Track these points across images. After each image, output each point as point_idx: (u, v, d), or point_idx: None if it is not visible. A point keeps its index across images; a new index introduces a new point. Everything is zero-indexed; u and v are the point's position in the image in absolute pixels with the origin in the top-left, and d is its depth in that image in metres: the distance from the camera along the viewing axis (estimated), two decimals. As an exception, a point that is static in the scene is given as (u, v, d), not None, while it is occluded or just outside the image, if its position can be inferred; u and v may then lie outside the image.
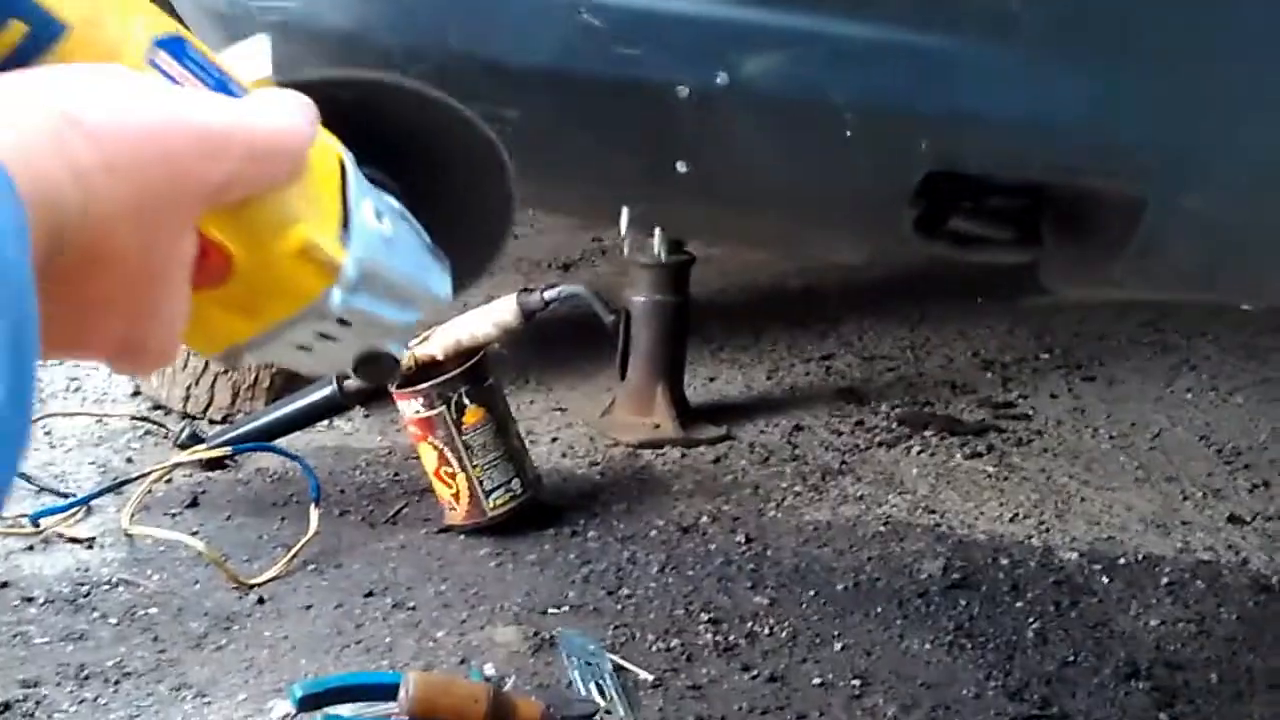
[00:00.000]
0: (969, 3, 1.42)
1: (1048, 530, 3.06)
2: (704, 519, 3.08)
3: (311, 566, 2.86)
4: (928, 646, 2.64)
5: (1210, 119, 1.44)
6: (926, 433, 3.48)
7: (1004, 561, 2.93)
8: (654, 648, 2.61)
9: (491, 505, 2.96)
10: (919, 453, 3.39)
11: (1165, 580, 2.88)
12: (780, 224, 1.56)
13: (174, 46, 0.88)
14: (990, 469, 3.32)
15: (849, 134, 1.46)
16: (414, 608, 2.72)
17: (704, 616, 2.71)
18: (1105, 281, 1.63)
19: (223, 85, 0.90)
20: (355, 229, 0.96)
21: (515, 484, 2.99)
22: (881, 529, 3.05)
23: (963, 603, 2.78)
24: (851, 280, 4.41)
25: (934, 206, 1.62)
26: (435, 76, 1.48)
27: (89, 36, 0.81)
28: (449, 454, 2.94)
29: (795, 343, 3.99)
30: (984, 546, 2.99)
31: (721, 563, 2.91)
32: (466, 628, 2.66)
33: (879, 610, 2.75)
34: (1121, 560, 2.94)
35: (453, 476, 2.95)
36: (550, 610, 2.73)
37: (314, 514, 2.95)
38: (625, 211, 1.63)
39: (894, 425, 3.53)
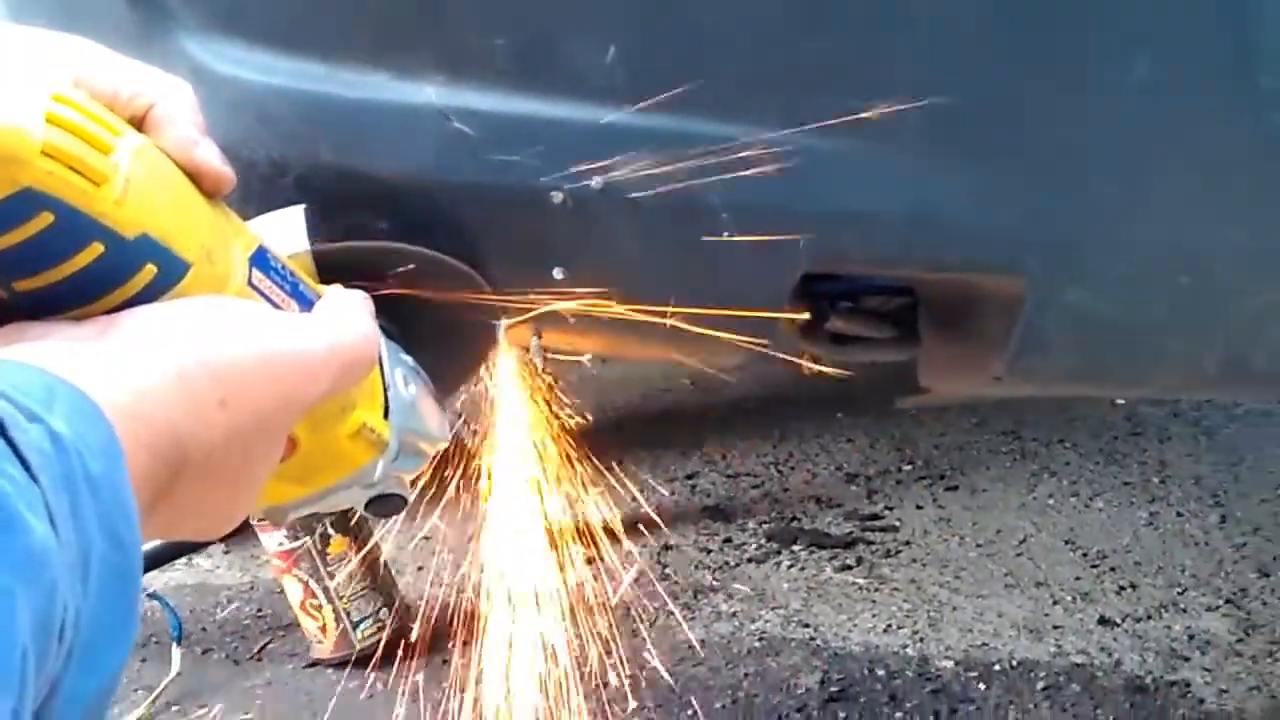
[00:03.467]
0: (845, 104, 1.42)
1: (922, 640, 3.05)
2: (576, 642, 3.03)
3: (175, 708, 2.78)
4: (809, 761, 2.61)
5: (1089, 214, 1.45)
6: (795, 547, 3.47)
7: (880, 672, 2.91)
8: (533, 775, 2.56)
9: (360, 636, 2.90)
10: (789, 567, 3.37)
11: (1041, 685, 2.87)
12: (658, 331, 1.54)
13: (260, 261, 0.96)
14: (861, 581, 3.31)
15: (726, 234, 1.45)
16: (285, 745, 2.65)
17: (583, 740, 2.66)
18: (985, 379, 1.63)
19: (296, 288, 0.99)
20: (394, 403, 1.06)
21: (383, 614, 2.93)
22: (756, 644, 3.02)
23: (841, 715, 2.76)
24: (712, 398, 4.41)
25: (811, 307, 1.61)
26: (303, 188, 1.46)
27: (205, 272, 0.88)
28: (314, 586, 2.87)
29: (659, 462, 3.97)
30: (860, 658, 2.97)
31: (596, 685, 2.85)
32: (339, 763, 2.59)
33: (758, 726, 2.72)
34: (997, 666, 2.94)
35: (319, 609, 2.89)
36: (425, 741, 2.67)
37: (176, 653, 2.87)
38: (534, 340, 1.62)
39: (762, 541, 3.51)
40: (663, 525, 3.61)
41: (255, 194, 1.44)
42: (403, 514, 1.27)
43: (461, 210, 1.46)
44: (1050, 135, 1.44)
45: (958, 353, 1.64)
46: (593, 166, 1.43)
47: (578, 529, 3.55)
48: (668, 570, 3.37)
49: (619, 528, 3.58)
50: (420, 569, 3.36)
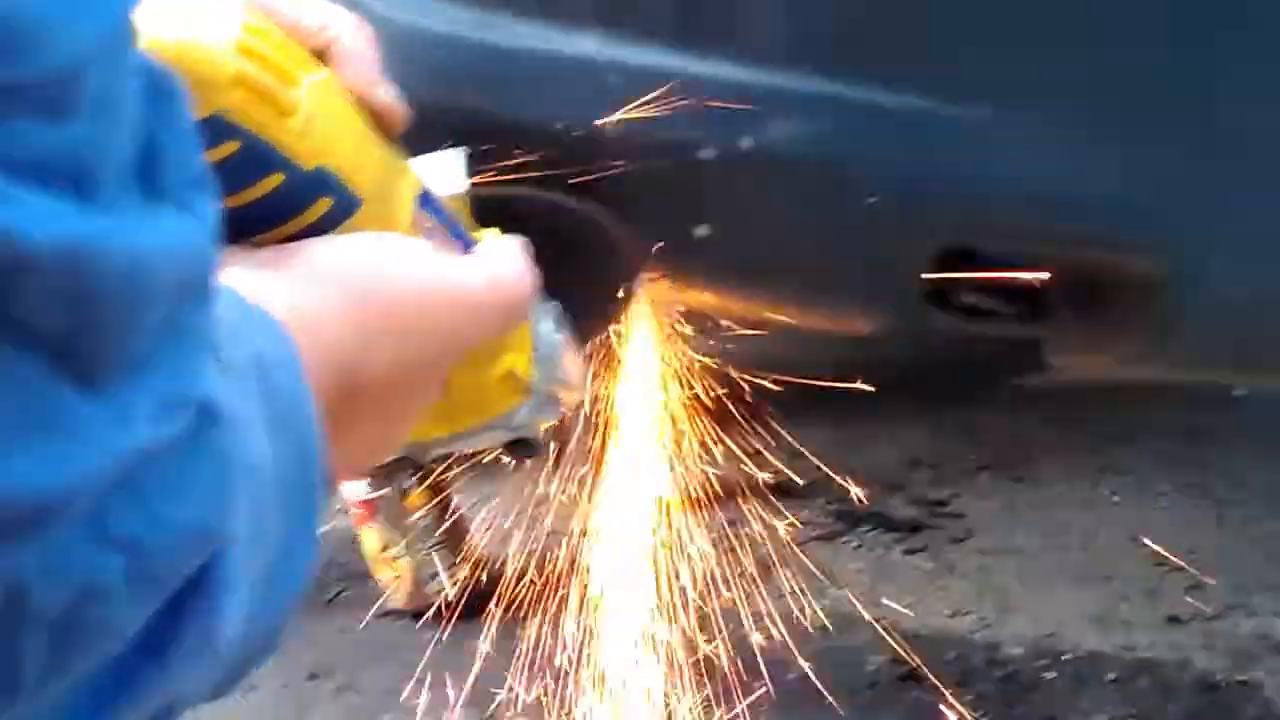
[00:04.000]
0: (996, 74, 1.42)
1: (990, 626, 3.06)
2: (646, 612, 3.04)
3: (249, 651, 2.80)
4: (879, 739, 2.63)
5: (1239, 196, 1.46)
6: (861, 528, 3.47)
7: (950, 656, 2.92)
8: (606, 735, 2.58)
9: (434, 589, 2.92)
10: (856, 548, 3.38)
11: (1111, 677, 2.88)
12: (796, 290, 1.55)
13: (426, 201, 0.96)
14: (928, 566, 3.32)
15: (871, 201, 1.46)
16: (360, 692, 2.67)
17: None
18: (1118, 360, 1.64)
19: (456, 230, 0.99)
20: (540, 351, 1.08)
21: (457, 568, 2.94)
22: (826, 622, 3.03)
23: (912, 695, 2.77)
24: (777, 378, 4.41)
25: (943, 280, 1.62)
26: (455, 133, 1.47)
27: (375, 209, 0.89)
28: (392, 536, 2.89)
29: (721, 439, 3.97)
30: (929, 641, 2.98)
31: (670, 657, 2.87)
32: (412, 712, 2.60)
33: (829, 702, 2.73)
34: (1066, 657, 2.94)
35: (395, 560, 2.91)
36: (498, 694, 2.68)
37: (250, 598, 2.89)
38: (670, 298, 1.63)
39: (829, 521, 3.52)
40: (729, 501, 3.62)
41: (411, 137, 1.45)
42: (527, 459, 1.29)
43: (614, 162, 1.47)
44: (1206, 113, 1.44)
45: (1090, 332, 1.64)
46: (745, 126, 1.44)
47: (659, 502, 3.57)
48: (734, 546, 3.37)
49: (687, 501, 3.60)
50: (489, 529, 3.38)
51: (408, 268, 0.84)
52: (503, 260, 0.94)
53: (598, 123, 1.46)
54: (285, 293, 0.74)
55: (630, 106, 1.45)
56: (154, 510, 0.49)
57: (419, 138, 1.47)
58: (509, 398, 1.09)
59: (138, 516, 0.49)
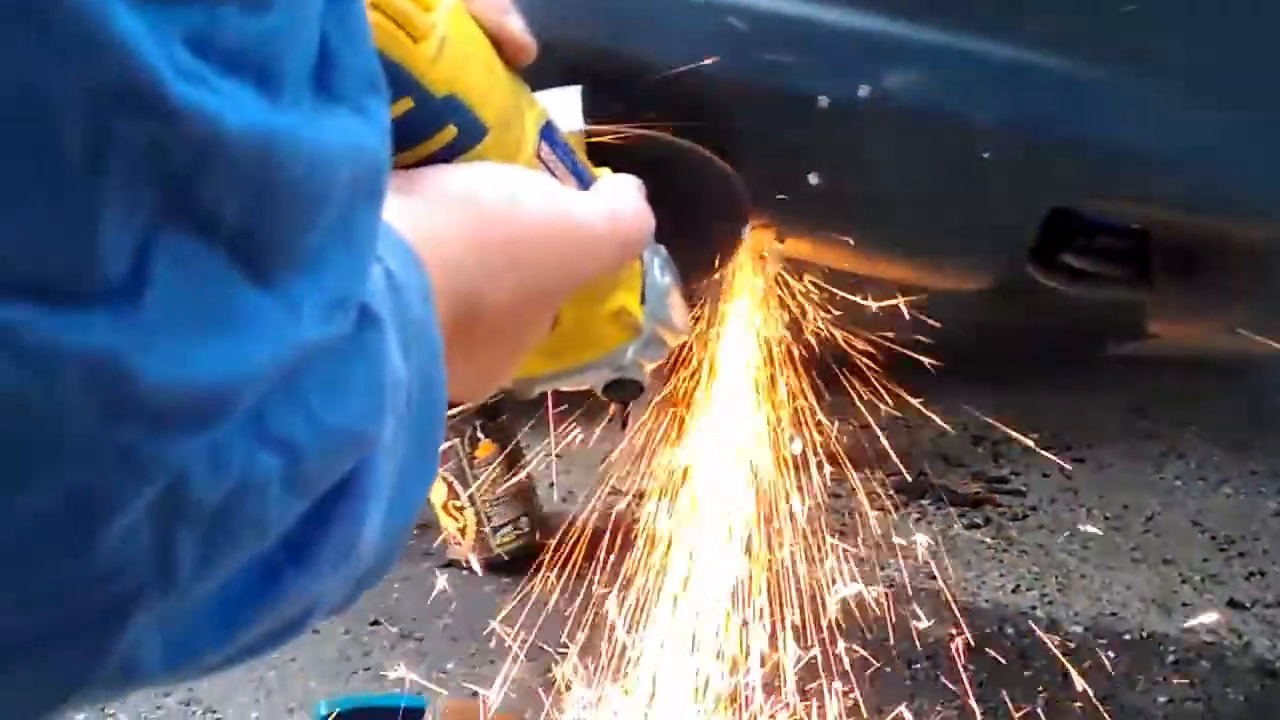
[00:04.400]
0: (1118, 31, 1.41)
1: (1051, 603, 3.05)
2: (709, 574, 3.04)
3: (313, 594, 2.81)
4: (939, 708, 2.62)
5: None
6: (923, 501, 3.47)
7: (1010, 630, 2.92)
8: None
9: (498, 541, 2.92)
10: (917, 520, 3.38)
11: (1171, 659, 2.87)
12: (907, 245, 1.55)
13: (548, 135, 0.98)
14: (989, 540, 3.31)
15: (986, 155, 1.45)
16: (421, 639, 2.68)
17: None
18: (1223, 329, 1.63)
19: (575, 166, 1.01)
20: (649, 290, 1.10)
21: (523, 521, 2.95)
22: (886, 591, 3.03)
23: (971, 668, 2.76)
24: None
25: (1047, 240, 1.61)
26: (573, 70, 1.47)
27: (500, 139, 0.90)
28: (459, 487, 2.90)
29: (808, 398, 3.97)
30: (989, 615, 2.97)
31: (731, 619, 2.87)
32: (476, 662, 2.62)
33: (888, 670, 2.73)
34: (1126, 636, 2.93)
35: (461, 510, 2.91)
36: (558, 650, 2.69)
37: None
38: (775, 245, 1.62)
39: (891, 493, 3.51)
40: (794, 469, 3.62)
41: (524, 72, 1.45)
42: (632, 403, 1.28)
43: (727, 106, 1.47)
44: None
45: (1195, 299, 1.64)
46: (862, 74, 1.43)
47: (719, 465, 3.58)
48: (794, 513, 3.37)
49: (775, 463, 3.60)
50: (551, 485, 3.39)
51: (531, 200, 0.84)
52: (622, 198, 0.94)
53: (714, 65, 1.46)
54: (413, 218, 0.74)
55: (753, 51, 1.45)
56: (312, 412, 0.50)
57: (535, 72, 1.48)
58: (617, 335, 1.09)
59: (297, 417, 0.49)
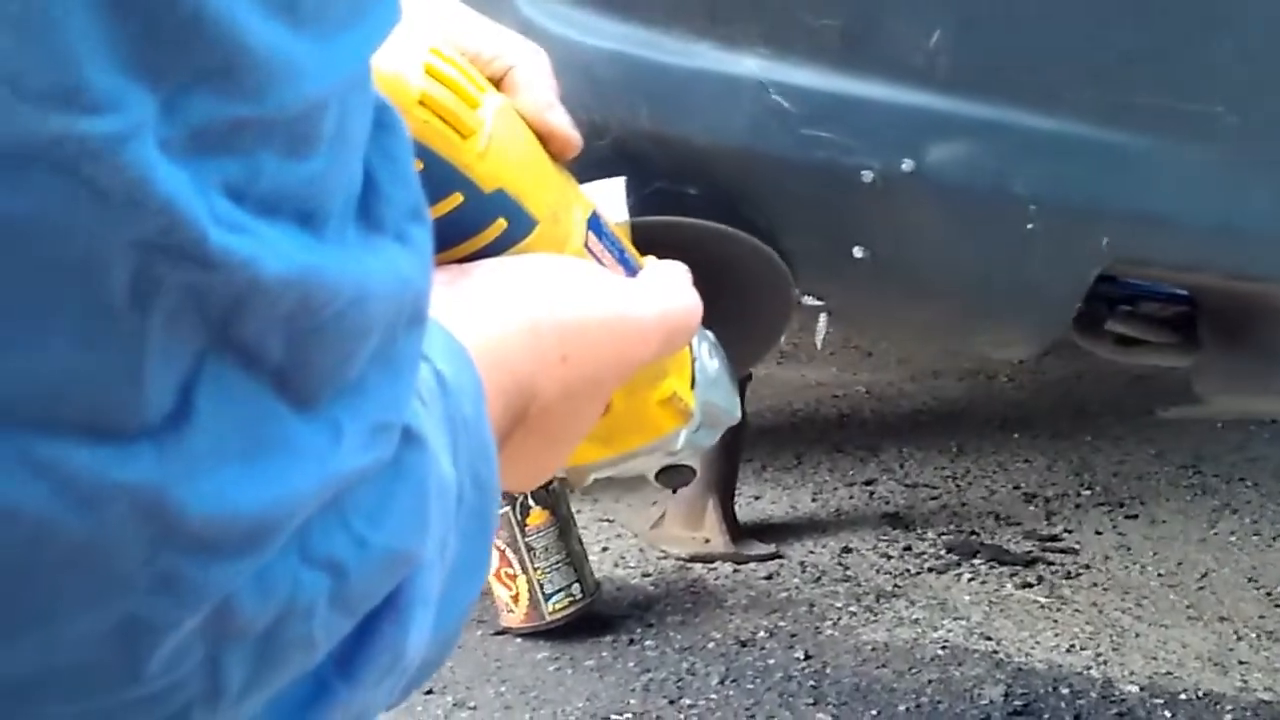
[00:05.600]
0: (1158, 98, 1.42)
1: (1105, 662, 3.04)
2: (760, 634, 3.05)
3: (369, 663, 2.82)
4: (995, 772, 2.61)
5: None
6: (975, 561, 3.46)
7: (1064, 691, 2.90)
8: (720, 759, 2.58)
9: (551, 609, 2.93)
10: (969, 580, 3.37)
11: (1228, 718, 2.85)
12: (952, 316, 1.55)
13: (595, 225, 0.98)
14: (1042, 599, 3.30)
15: (1030, 226, 1.46)
16: (475, 707, 2.69)
17: (768, 731, 2.67)
18: (1269, 393, 1.63)
19: (623, 257, 1.01)
20: (699, 375, 1.10)
21: (575, 589, 2.95)
22: (939, 652, 3.02)
23: (1027, 730, 2.75)
24: (888, 408, 4.42)
25: (1092, 307, 1.62)
26: (619, 151, 1.49)
27: (549, 231, 0.90)
28: (510, 555, 2.91)
29: (837, 466, 3.98)
30: (1043, 675, 2.96)
31: (781, 678, 2.87)
32: (530, 730, 2.62)
33: (944, 733, 2.73)
34: (1183, 695, 2.92)
35: (513, 578, 2.92)
36: (612, 716, 2.69)
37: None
38: (823, 318, 1.63)
39: (942, 552, 3.51)
40: (842, 527, 3.62)
41: (571, 163, 1.47)
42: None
43: (771, 183, 1.48)
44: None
45: (1241, 364, 1.64)
46: (906, 148, 1.44)
47: (759, 524, 3.59)
48: (849, 572, 3.37)
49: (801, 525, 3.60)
50: (604, 550, 3.40)
51: (581, 292, 0.84)
52: (670, 287, 0.95)
53: (758, 142, 1.47)
54: (465, 316, 0.75)
55: (796, 128, 1.46)
56: (357, 532, 0.51)
57: (584, 157, 1.50)
58: (669, 421, 1.10)
59: (342, 538, 0.50)
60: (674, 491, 1.32)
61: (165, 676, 0.46)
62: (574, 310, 0.83)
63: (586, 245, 0.97)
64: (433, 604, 0.59)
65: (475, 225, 0.87)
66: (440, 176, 0.84)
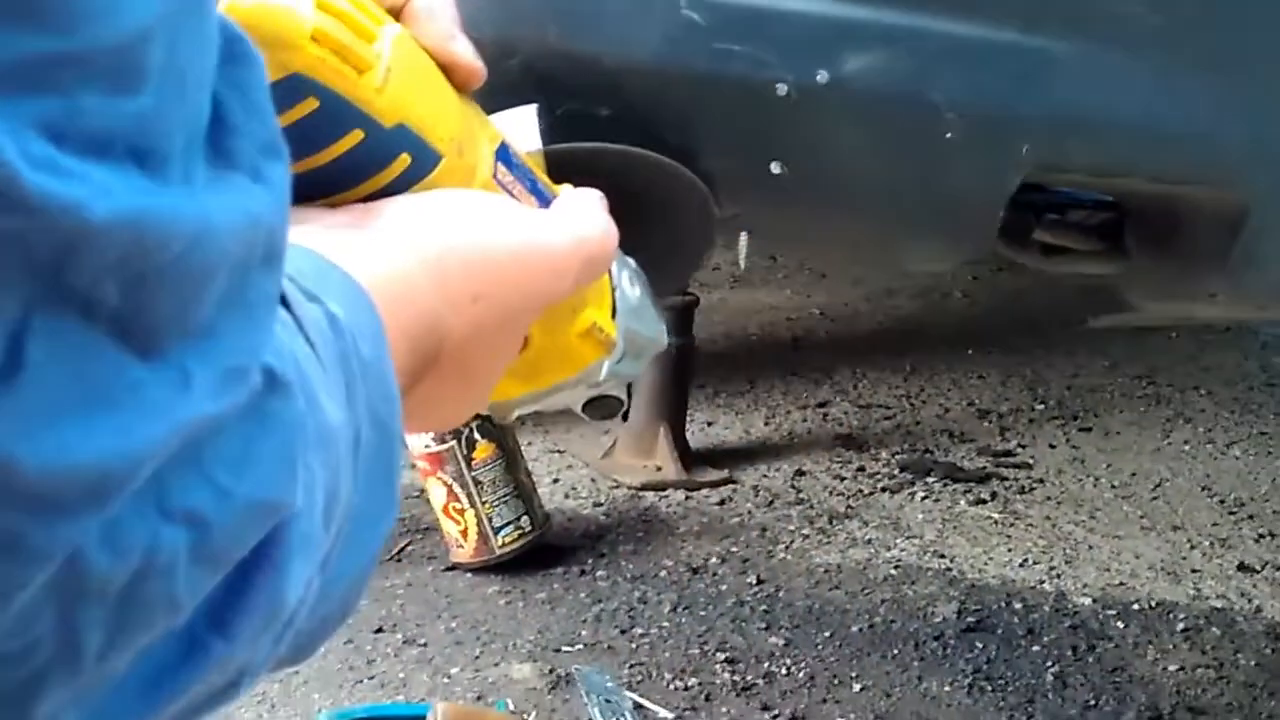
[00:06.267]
0: (1082, 4, 1.40)
1: (1059, 576, 3.04)
2: (713, 560, 3.04)
3: (318, 602, 2.80)
4: (947, 689, 2.61)
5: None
6: (929, 479, 3.46)
7: (1017, 606, 2.90)
8: (671, 686, 2.57)
9: (500, 542, 2.91)
10: (923, 498, 3.36)
11: (1180, 626, 2.85)
12: (873, 229, 1.53)
13: (504, 156, 0.95)
14: (996, 515, 3.30)
15: (949, 135, 1.43)
16: (425, 644, 2.67)
17: (720, 656, 2.66)
18: (1199, 296, 1.61)
19: (535, 187, 0.98)
20: (620, 304, 1.07)
21: (524, 521, 2.93)
22: (892, 572, 3.02)
23: (979, 646, 2.75)
24: (842, 329, 4.41)
25: (1019, 217, 1.60)
26: (529, 71, 1.45)
27: (454, 164, 0.88)
28: (458, 489, 2.89)
29: (790, 389, 3.97)
30: (996, 591, 2.96)
31: (734, 603, 2.86)
32: (480, 665, 2.60)
33: (896, 652, 2.72)
34: (1135, 606, 2.92)
35: (461, 513, 2.90)
36: (564, 648, 2.68)
37: (318, 550, 2.90)
38: (744, 237, 1.60)
39: (896, 471, 3.50)
40: (795, 450, 3.61)
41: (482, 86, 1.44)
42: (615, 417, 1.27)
43: (685, 99, 1.45)
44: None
45: (1170, 269, 1.62)
46: (820, 59, 1.41)
47: (712, 450, 3.57)
48: (802, 495, 3.36)
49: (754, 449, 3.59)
50: (555, 481, 3.38)
51: (490, 227, 0.83)
52: (584, 215, 0.93)
53: (670, 58, 1.44)
54: (368, 256, 0.74)
55: (709, 42, 1.43)
56: (218, 482, 0.49)
57: (493, 78, 1.46)
58: (591, 353, 1.08)
59: (201, 489, 0.48)
60: (604, 421, 1.29)
61: (16, 639, 0.44)
62: (482, 246, 0.81)
63: (496, 177, 0.95)
64: (315, 553, 0.57)
65: (378, 162, 0.85)
66: (338, 114, 0.81)
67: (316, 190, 0.84)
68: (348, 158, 0.83)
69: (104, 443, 0.43)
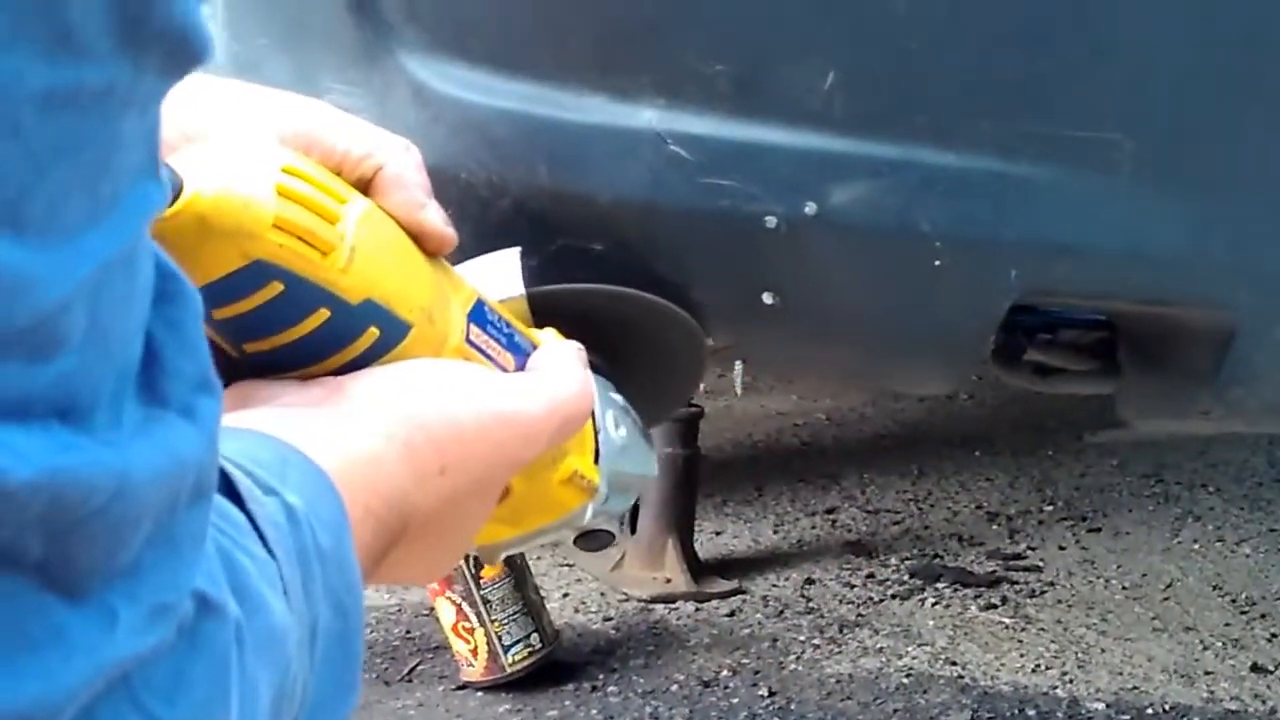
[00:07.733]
0: (1062, 133, 1.42)
1: (1071, 681, 3.02)
2: (724, 673, 3.03)
3: (329, 725, 2.80)
4: (963, 799, 2.60)
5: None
6: (939, 584, 3.45)
7: (1030, 712, 2.89)
8: (685, 804, 2.56)
9: (510, 661, 2.91)
10: (933, 604, 3.36)
11: (1195, 730, 2.84)
12: (867, 356, 1.54)
13: (478, 316, 0.98)
14: (1007, 620, 3.29)
15: (938, 263, 1.45)
16: (437, 765, 2.67)
17: (734, 772, 2.66)
18: (1191, 413, 1.62)
19: (511, 339, 1.00)
20: (604, 448, 1.10)
21: (534, 639, 2.93)
22: (904, 681, 3.01)
23: (994, 754, 2.74)
24: (849, 434, 4.42)
25: (1011, 338, 1.61)
26: (519, 210, 1.48)
27: (424, 333, 0.89)
28: (467, 608, 2.89)
29: (798, 496, 3.97)
30: (1009, 698, 2.95)
31: (746, 716, 2.86)
32: (493, 785, 2.60)
33: (910, 762, 2.71)
34: (1149, 711, 2.91)
35: (471, 632, 2.90)
36: (576, 767, 2.67)
37: (329, 672, 2.89)
38: (739, 365, 1.62)
39: (905, 577, 3.50)
40: (804, 559, 3.61)
41: (472, 215, 1.46)
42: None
43: (676, 233, 1.48)
44: (1267, 165, 1.43)
45: (1162, 386, 1.63)
46: (808, 191, 1.43)
47: (721, 559, 3.57)
48: (812, 604, 3.36)
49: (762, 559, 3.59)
50: (565, 595, 3.38)
51: (458, 400, 0.84)
52: (558, 377, 0.93)
53: (659, 193, 1.47)
54: (335, 439, 0.75)
55: (696, 177, 1.45)
56: (150, 711, 0.49)
57: (485, 217, 1.48)
58: (573, 499, 1.09)
59: (133, 717, 0.49)
60: (595, 553, 1.27)
61: None
62: (450, 420, 0.82)
63: (469, 339, 0.96)
64: None
65: (345, 337, 0.86)
66: (303, 296, 0.83)
67: (287, 363, 0.85)
68: (315, 335, 0.84)
69: (25, 689, 0.44)
